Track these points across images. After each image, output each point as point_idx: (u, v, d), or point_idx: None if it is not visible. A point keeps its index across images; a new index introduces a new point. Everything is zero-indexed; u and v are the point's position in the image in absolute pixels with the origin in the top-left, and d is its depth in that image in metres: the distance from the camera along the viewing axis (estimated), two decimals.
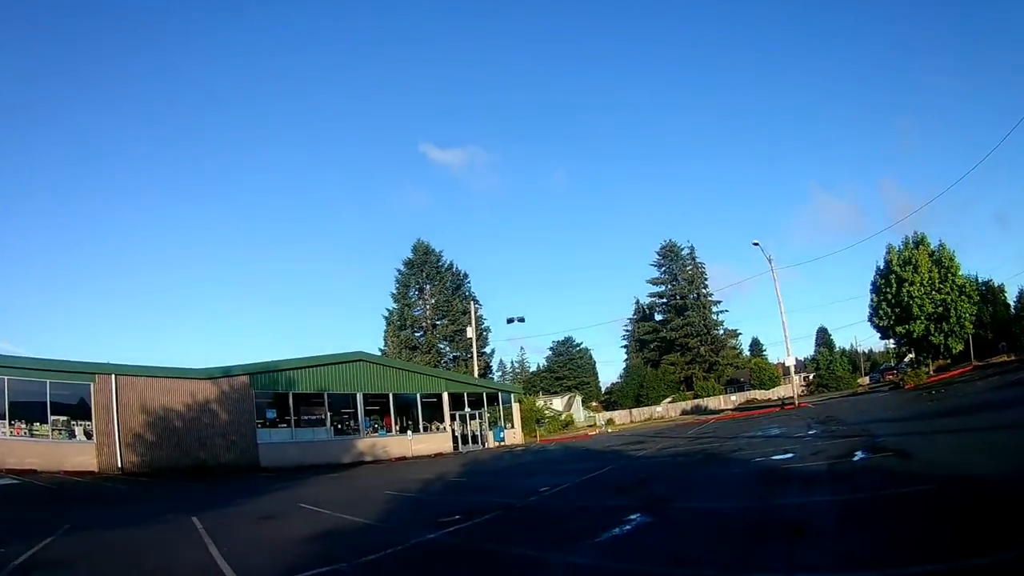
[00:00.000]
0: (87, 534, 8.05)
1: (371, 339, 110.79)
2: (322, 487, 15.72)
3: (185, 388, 22.95)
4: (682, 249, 76.99)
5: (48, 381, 20.60)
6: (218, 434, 23.10)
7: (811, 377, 64.24)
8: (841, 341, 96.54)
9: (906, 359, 44.89)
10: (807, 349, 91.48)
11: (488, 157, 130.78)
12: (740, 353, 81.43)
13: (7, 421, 19.88)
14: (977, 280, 35.62)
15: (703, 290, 75.87)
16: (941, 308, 31.57)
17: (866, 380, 58.06)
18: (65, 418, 21.02)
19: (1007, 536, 4.23)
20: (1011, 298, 42.35)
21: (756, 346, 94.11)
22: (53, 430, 20.58)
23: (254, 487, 16.11)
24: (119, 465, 20.59)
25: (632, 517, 7.65)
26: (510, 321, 39.66)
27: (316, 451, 25.36)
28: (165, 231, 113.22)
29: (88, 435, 20.85)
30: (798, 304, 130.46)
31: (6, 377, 19.74)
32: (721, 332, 76.66)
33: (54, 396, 20.69)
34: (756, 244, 36.80)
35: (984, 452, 7.68)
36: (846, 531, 5.37)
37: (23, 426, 20.29)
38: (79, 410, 21.22)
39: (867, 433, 12.79)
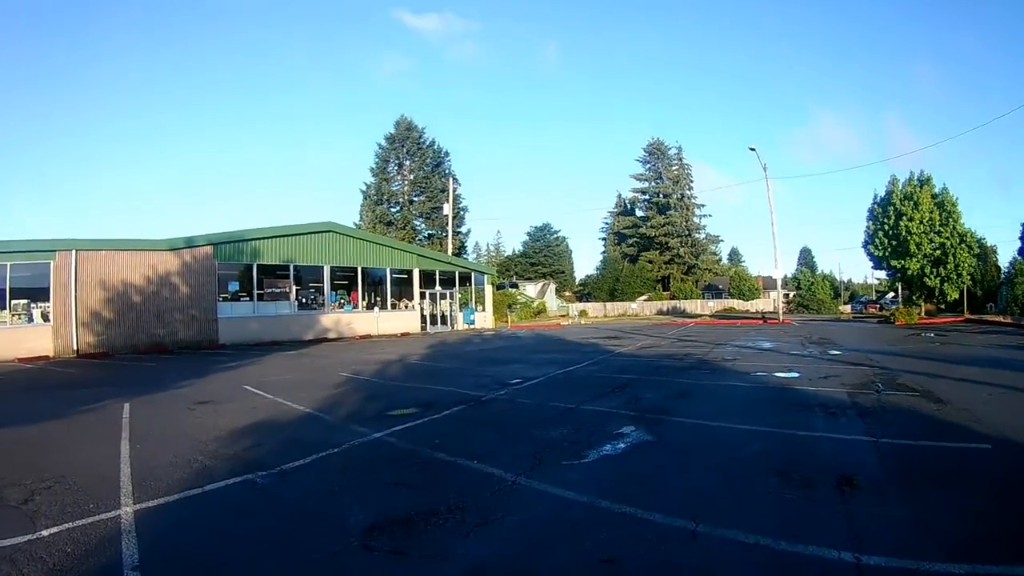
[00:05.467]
0: (4, 431, 7.23)
1: (347, 214, 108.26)
2: (275, 366, 14.68)
3: (146, 261, 21.19)
4: (670, 148, 74.41)
5: (9, 264, 18.84)
6: (177, 309, 21.68)
7: (791, 295, 63.12)
8: (823, 266, 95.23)
9: (889, 295, 43.55)
10: (788, 267, 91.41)
11: (469, 26, 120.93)
12: (720, 260, 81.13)
13: None
14: (975, 235, 34.54)
15: (688, 191, 73.99)
16: (939, 251, 30.77)
17: (847, 308, 57.00)
18: (25, 302, 19.52)
19: None
20: (1003, 261, 40.59)
21: (735, 256, 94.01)
22: (12, 315, 19.12)
23: (204, 366, 15.01)
24: (75, 347, 19.36)
25: (625, 431, 6.45)
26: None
27: (278, 326, 24.30)
28: (136, 100, 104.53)
29: (46, 317, 19.43)
30: (783, 220, 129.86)
31: None
32: (703, 236, 75.80)
33: (15, 280, 19.07)
34: (753, 149, 36.09)
35: None
36: (908, 494, 4.13)
37: None
38: (39, 292, 19.66)
39: (876, 364, 11.68)
